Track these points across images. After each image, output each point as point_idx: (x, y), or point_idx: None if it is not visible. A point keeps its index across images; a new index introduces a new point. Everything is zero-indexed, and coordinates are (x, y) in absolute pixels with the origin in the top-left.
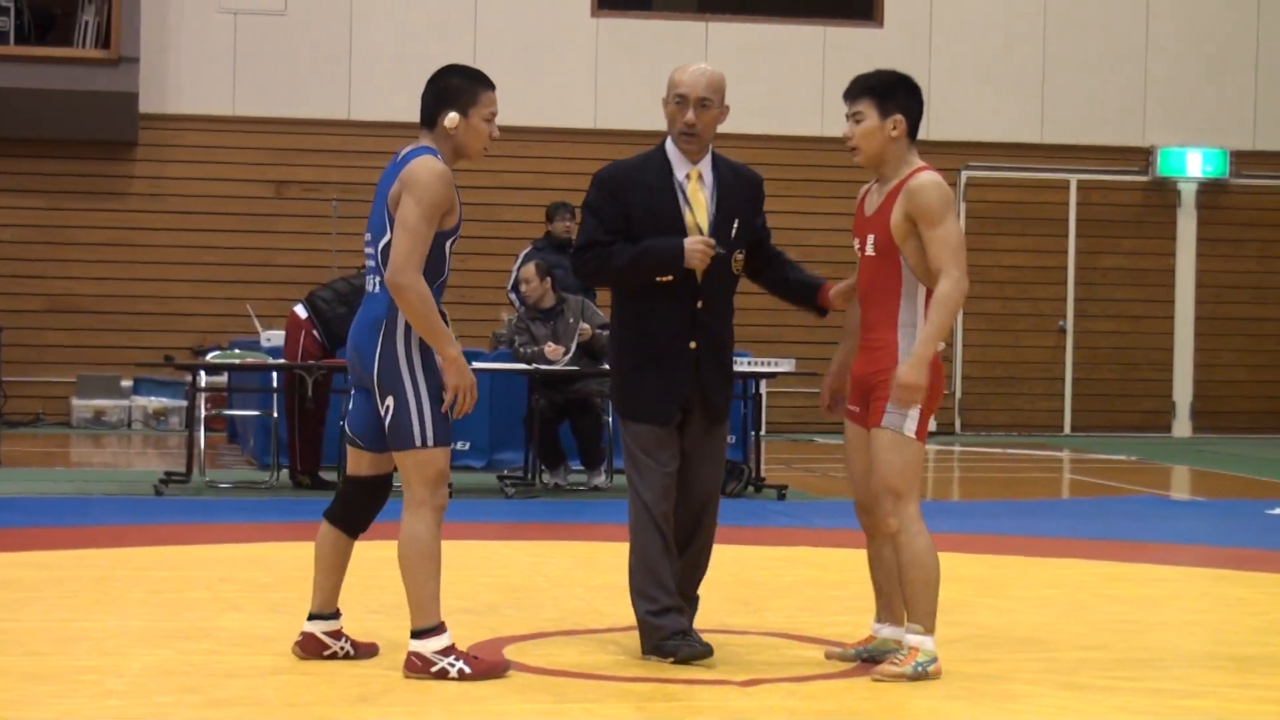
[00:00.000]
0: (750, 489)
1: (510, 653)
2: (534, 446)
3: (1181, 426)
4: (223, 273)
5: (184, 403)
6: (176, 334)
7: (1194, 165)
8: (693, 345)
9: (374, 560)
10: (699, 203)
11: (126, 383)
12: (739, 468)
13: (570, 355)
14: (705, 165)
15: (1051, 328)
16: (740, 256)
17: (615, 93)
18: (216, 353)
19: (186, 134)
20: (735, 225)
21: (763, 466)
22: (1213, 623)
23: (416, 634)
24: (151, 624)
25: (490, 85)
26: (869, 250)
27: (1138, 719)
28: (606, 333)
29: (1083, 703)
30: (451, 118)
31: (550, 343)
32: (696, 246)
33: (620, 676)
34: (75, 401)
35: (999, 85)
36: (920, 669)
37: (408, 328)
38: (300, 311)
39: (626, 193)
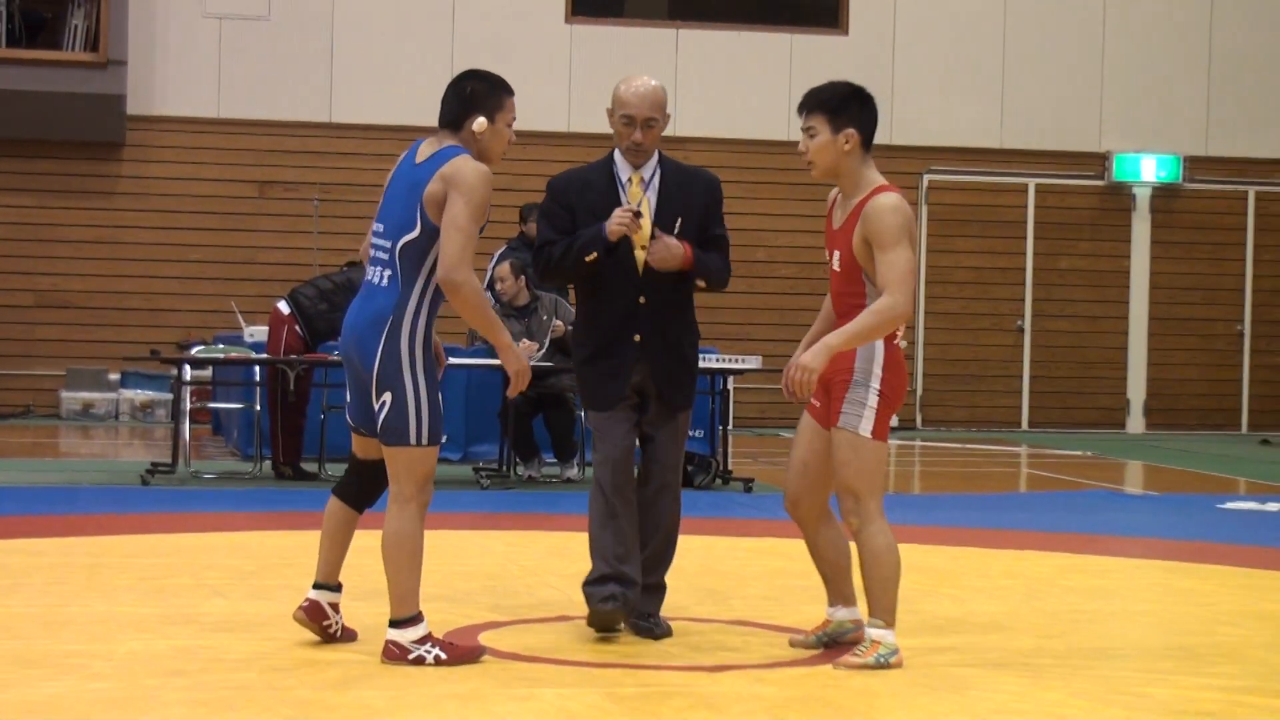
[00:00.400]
0: (718, 481)
1: (486, 639)
2: (509, 440)
3: (1135, 423)
4: (207, 270)
5: (170, 396)
6: (162, 329)
7: (1148, 170)
8: (637, 338)
9: (353, 549)
10: (635, 198)
11: (114, 376)
12: (707, 461)
13: (543, 351)
14: (649, 168)
15: (1010, 327)
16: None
17: (588, 97)
18: (201, 347)
19: (172, 135)
20: (679, 222)
21: (730, 460)
22: (1164, 613)
23: (395, 623)
24: (138, 609)
25: (511, 91)
26: (835, 265)
27: (1091, 705)
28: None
29: (1039, 689)
30: (480, 122)
31: (525, 339)
32: (614, 215)
33: (593, 662)
34: (64, 394)
35: (960, 92)
36: (882, 660)
37: (413, 326)
38: (283, 307)
39: (573, 196)
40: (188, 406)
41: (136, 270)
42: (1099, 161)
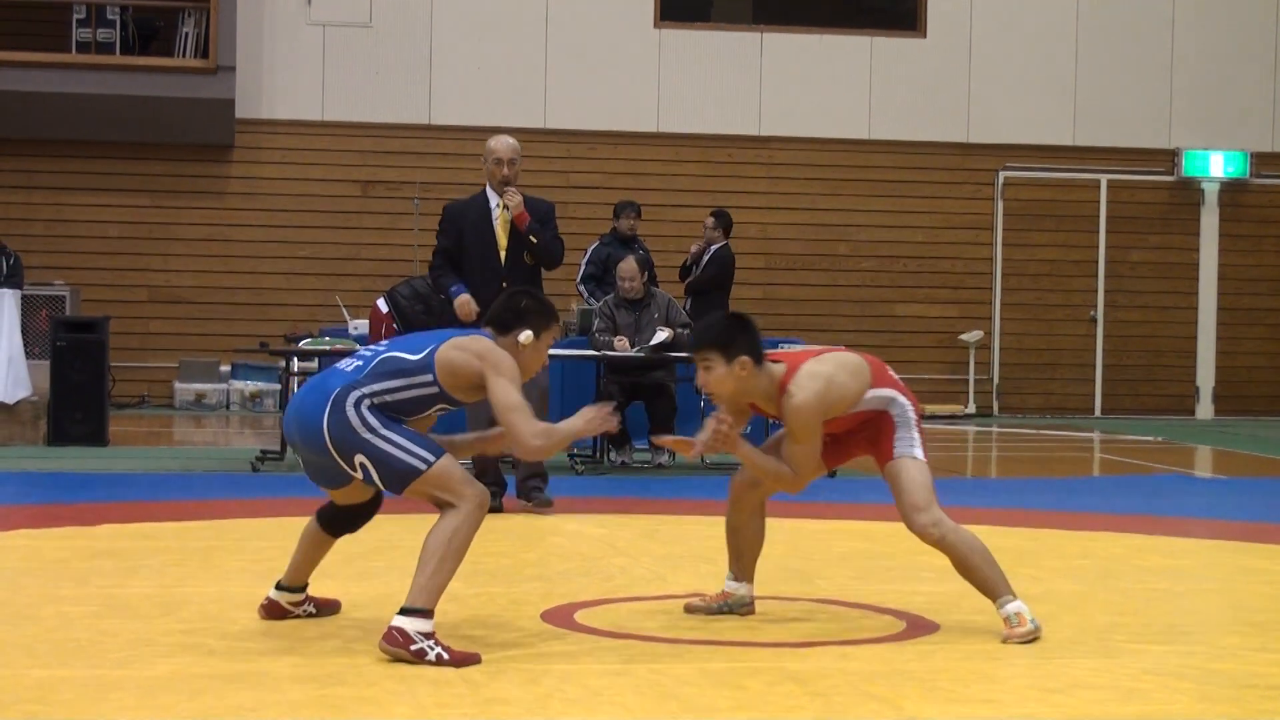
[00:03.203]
0: None
1: (582, 617)
2: None
3: (1204, 409)
4: (313, 266)
5: (278, 386)
6: (270, 323)
7: (1216, 166)
8: None
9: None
10: (503, 222)
11: (225, 367)
12: None
13: (644, 348)
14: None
15: (1083, 317)
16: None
17: (676, 98)
18: (307, 340)
19: (279, 138)
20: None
21: None
22: (1233, 591)
23: (407, 611)
24: (250, 590)
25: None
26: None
27: (1164, 679)
28: (686, 332)
29: (1114, 664)
30: (526, 335)
31: (621, 336)
32: (462, 308)
33: (683, 639)
34: (177, 385)
35: (1034, 91)
36: (1034, 623)
37: (358, 401)
38: (381, 305)
39: (459, 219)
40: None
41: (246, 266)
42: (1169, 158)
